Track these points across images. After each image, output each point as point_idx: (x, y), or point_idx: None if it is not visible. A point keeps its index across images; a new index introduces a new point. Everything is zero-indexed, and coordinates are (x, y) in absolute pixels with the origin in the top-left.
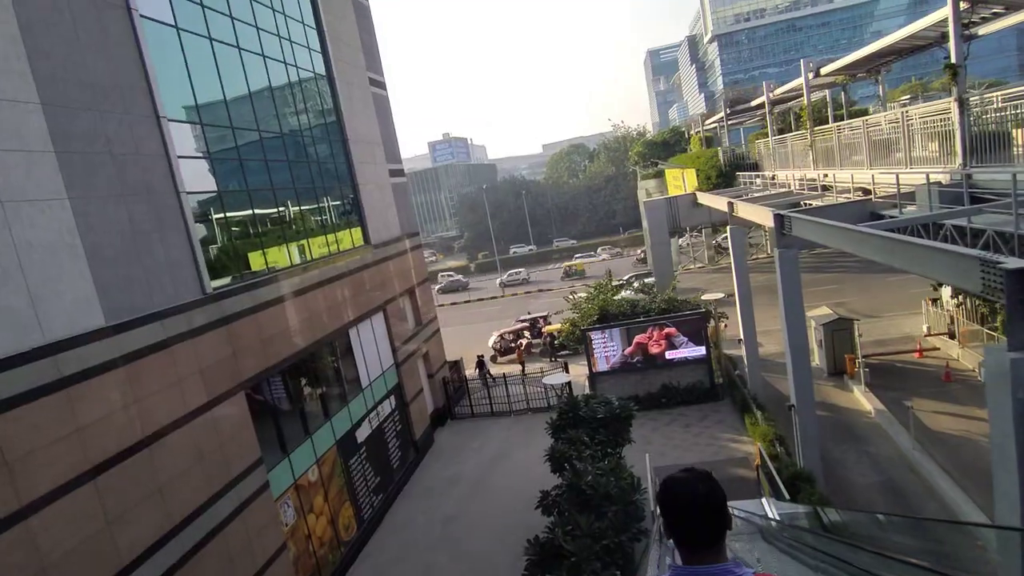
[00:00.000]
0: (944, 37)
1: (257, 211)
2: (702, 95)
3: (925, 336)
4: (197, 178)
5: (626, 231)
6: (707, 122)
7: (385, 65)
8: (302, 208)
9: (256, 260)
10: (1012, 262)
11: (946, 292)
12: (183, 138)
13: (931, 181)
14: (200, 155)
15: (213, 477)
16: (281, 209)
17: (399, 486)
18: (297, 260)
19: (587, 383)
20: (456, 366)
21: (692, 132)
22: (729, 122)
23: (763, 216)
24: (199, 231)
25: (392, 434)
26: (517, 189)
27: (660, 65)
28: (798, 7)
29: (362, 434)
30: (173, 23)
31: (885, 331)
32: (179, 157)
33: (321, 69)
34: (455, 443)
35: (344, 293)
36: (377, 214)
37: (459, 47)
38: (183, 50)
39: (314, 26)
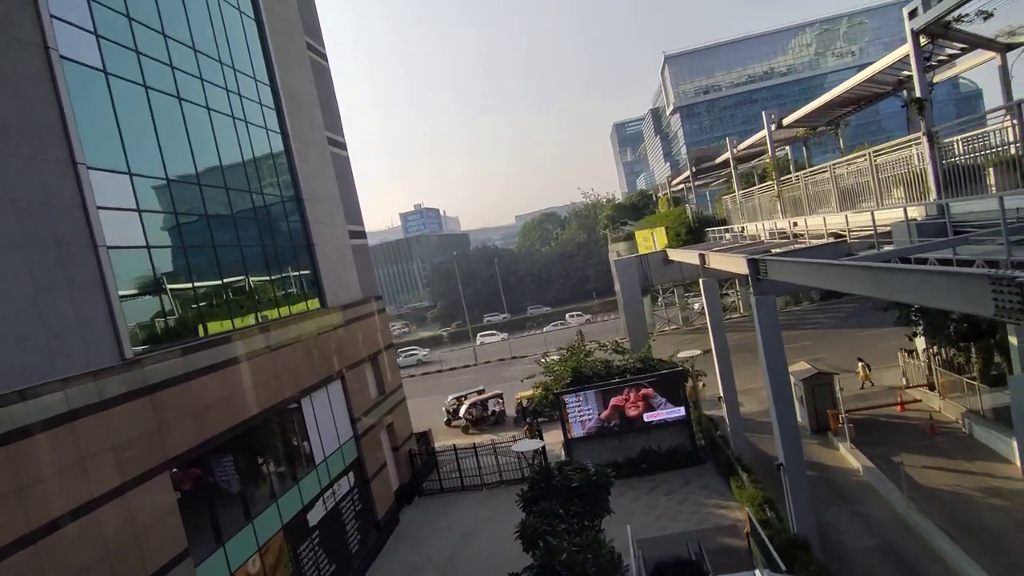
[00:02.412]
0: (900, 84)
1: (196, 270)
2: (667, 163)
3: (905, 388)
4: (123, 232)
5: (599, 296)
6: (674, 183)
7: (359, 138)
8: (248, 268)
9: (193, 323)
10: None
11: (920, 343)
12: (108, 189)
13: (908, 217)
14: (128, 208)
15: None
16: (225, 269)
17: (358, 574)
18: (242, 323)
19: (563, 450)
20: (424, 437)
21: (660, 194)
22: (696, 182)
23: (736, 264)
24: (122, 290)
25: (351, 515)
26: (489, 257)
27: (626, 137)
28: (753, 81)
29: (315, 516)
30: (100, 67)
31: (865, 387)
32: (100, 208)
33: (275, 126)
34: (422, 522)
35: (296, 359)
36: (335, 276)
37: (434, 125)
38: (111, 96)
39: (267, 82)
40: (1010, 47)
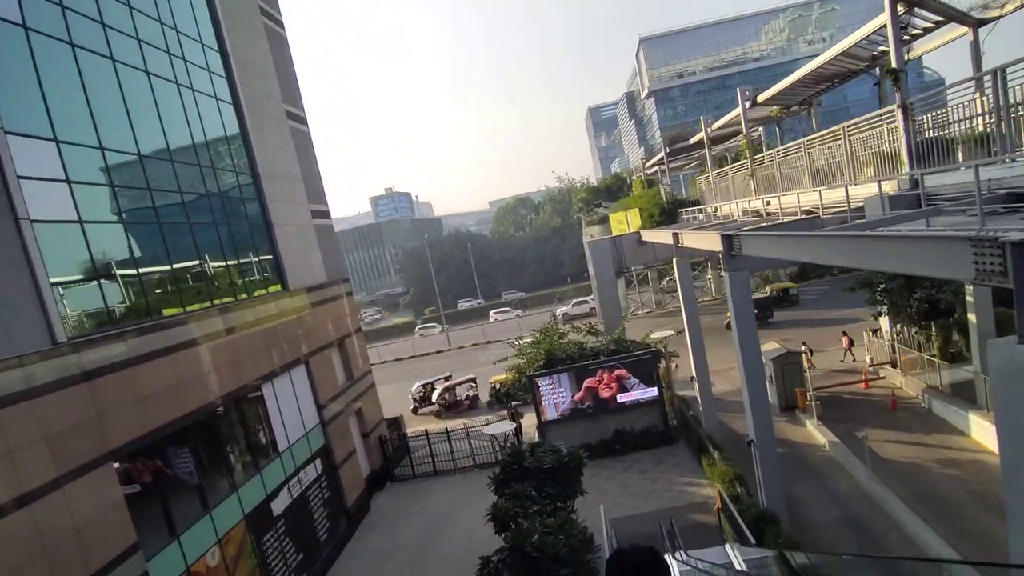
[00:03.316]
0: (874, 59)
1: (140, 249)
2: (642, 148)
3: (869, 367)
4: (52, 206)
5: (574, 281)
6: (648, 164)
7: (327, 121)
8: (200, 248)
9: (139, 306)
10: (1015, 232)
11: (884, 322)
12: (32, 157)
13: (882, 192)
14: (55, 179)
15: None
16: (173, 248)
17: (327, 563)
18: (194, 306)
19: (536, 433)
20: (396, 423)
21: (634, 177)
22: (670, 164)
23: (710, 241)
24: (56, 268)
25: (318, 503)
26: (463, 242)
27: (601, 121)
28: (726, 66)
29: (280, 505)
30: (20, 21)
31: (831, 364)
32: (21, 178)
33: (226, 95)
34: (394, 508)
35: (255, 344)
36: (297, 257)
37: (405, 110)
38: (32, 54)
39: (216, 48)
40: (983, 22)
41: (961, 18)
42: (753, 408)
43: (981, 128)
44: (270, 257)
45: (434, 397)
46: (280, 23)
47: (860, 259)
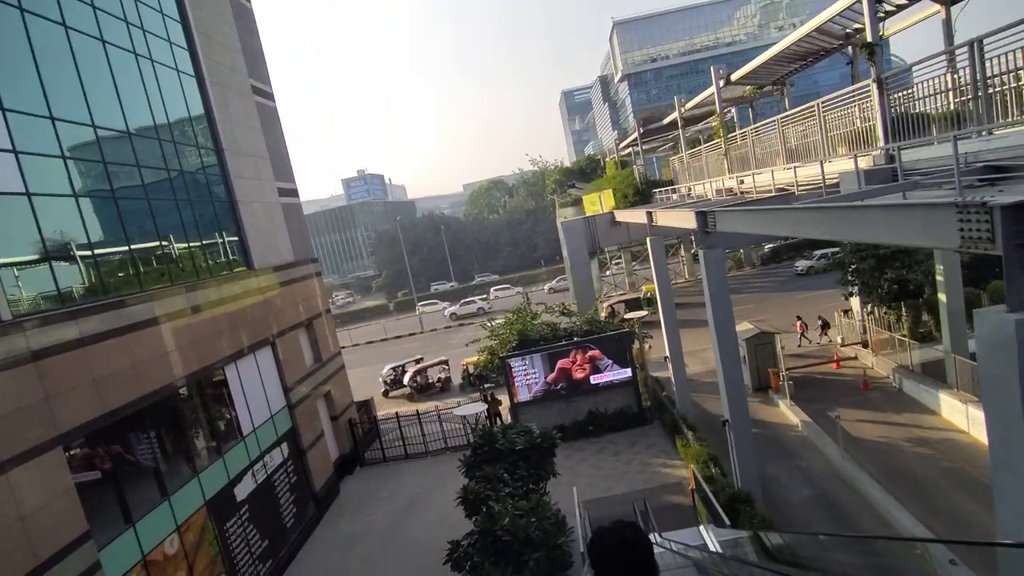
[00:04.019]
0: (848, 38)
1: (95, 224)
2: (615, 132)
3: (841, 347)
4: None
5: (547, 264)
6: (622, 146)
7: (301, 101)
8: (159, 224)
9: (94, 284)
10: (1004, 196)
11: (855, 303)
12: None
13: (858, 167)
14: (4, 149)
15: (4, 567)
16: (130, 224)
17: (294, 548)
18: (152, 284)
19: (508, 415)
20: (366, 406)
21: (608, 158)
22: (643, 144)
23: (684, 219)
24: None
25: (285, 487)
26: (436, 225)
27: (575, 105)
28: (698, 51)
29: (244, 490)
30: None
31: (804, 345)
32: None
33: (187, 67)
34: (364, 492)
35: (218, 324)
36: (263, 236)
37: (379, 93)
38: None
39: (177, 18)
40: (955, 0)
41: None
42: (728, 388)
43: (952, 107)
44: (235, 236)
45: (405, 380)
46: None
47: (840, 231)
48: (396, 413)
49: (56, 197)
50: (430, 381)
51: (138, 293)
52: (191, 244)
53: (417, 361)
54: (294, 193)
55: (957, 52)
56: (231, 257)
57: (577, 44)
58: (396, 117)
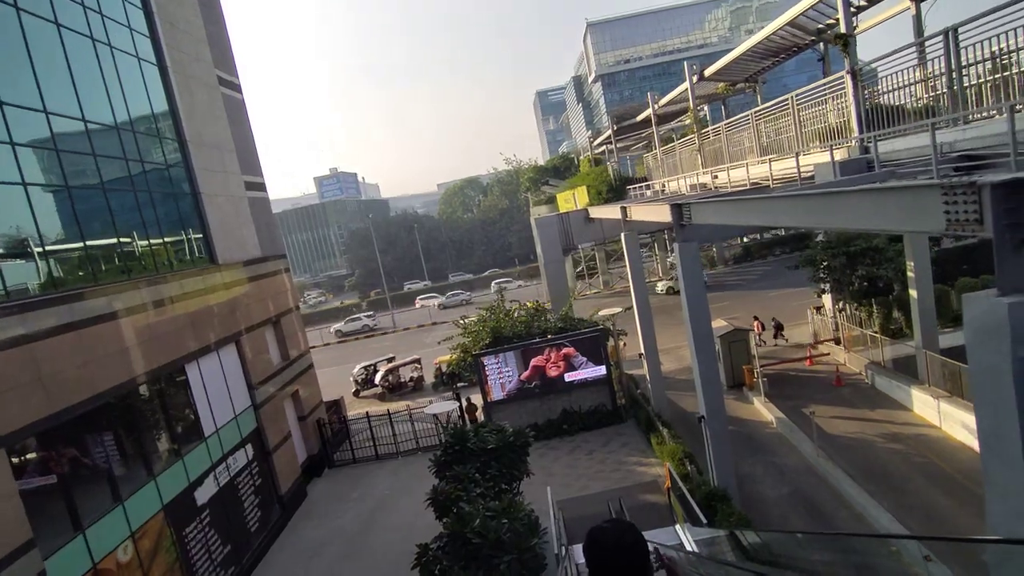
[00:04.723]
0: (819, 33)
1: (48, 216)
2: (589, 132)
3: (814, 344)
4: None
5: (522, 263)
6: (596, 143)
7: (275, 99)
8: (117, 217)
9: (47, 278)
10: (992, 174)
11: (827, 300)
12: None
13: (834, 159)
14: None
15: None
16: (85, 216)
17: (259, 553)
18: (108, 278)
19: (481, 414)
20: (336, 406)
21: (581, 156)
22: (617, 142)
23: (659, 213)
24: None
25: (249, 491)
26: (410, 223)
27: (549, 105)
28: (671, 52)
29: (204, 494)
30: None
31: (777, 341)
32: None
33: (149, 55)
34: (332, 495)
35: (178, 321)
36: (228, 230)
37: (353, 91)
38: None
39: (139, 4)
40: None
41: None
42: (703, 383)
43: (926, 99)
44: (199, 231)
45: (377, 379)
46: None
47: (819, 218)
48: (367, 413)
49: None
50: (402, 380)
51: (89, 287)
52: (151, 237)
53: (389, 360)
54: (262, 187)
55: (931, 44)
56: (193, 251)
57: (552, 44)
58: (371, 116)
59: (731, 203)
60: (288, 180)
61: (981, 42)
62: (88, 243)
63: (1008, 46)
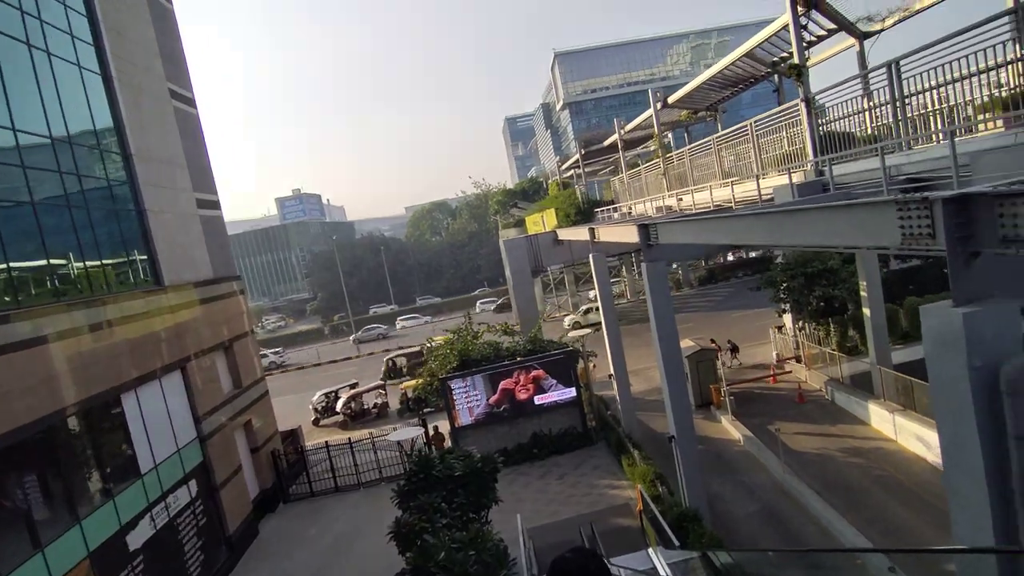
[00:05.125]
0: (774, 66)
1: None
2: (558, 158)
3: (776, 362)
4: None
5: (491, 286)
6: (564, 167)
7: (238, 120)
8: (46, 233)
9: None
10: (941, 191)
11: (788, 320)
12: None
13: (792, 182)
14: None
15: None
16: (8, 231)
17: None
18: (31, 300)
19: (449, 440)
20: (292, 436)
21: (550, 180)
22: (585, 166)
23: (627, 233)
24: None
25: (191, 532)
26: (376, 246)
27: (518, 131)
28: (635, 83)
29: (139, 537)
30: None
31: (741, 361)
32: None
33: (93, 65)
34: (287, 532)
35: (115, 347)
36: (176, 249)
37: (320, 113)
38: None
39: (83, 12)
40: (868, 34)
41: (849, 27)
42: (673, 403)
43: (872, 127)
44: (143, 251)
45: (338, 406)
46: None
47: (780, 236)
48: (326, 442)
49: None
50: (365, 407)
51: (13, 311)
52: (88, 258)
53: (352, 386)
54: (215, 205)
55: (876, 75)
56: (136, 271)
57: (521, 72)
58: (338, 139)
59: (696, 222)
60: (249, 201)
61: (921, 74)
62: (13, 264)
63: (945, 78)
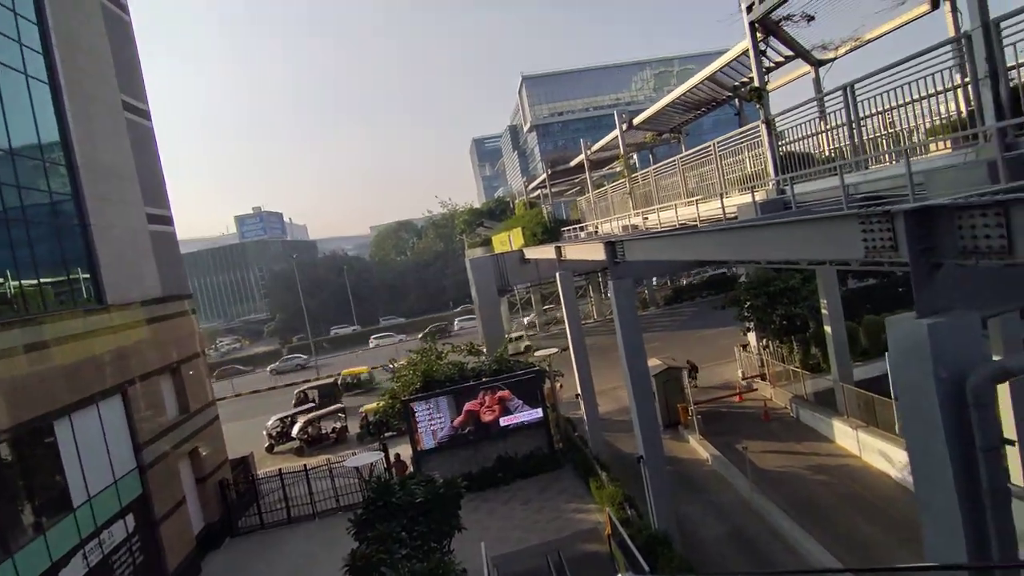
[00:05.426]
0: (735, 90)
1: None
2: (524, 178)
3: (742, 380)
4: None
5: (456, 306)
6: (531, 187)
7: (198, 136)
8: None
9: None
10: (903, 204)
11: (752, 338)
12: None
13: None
14: None
15: None
16: None
17: None
18: None
19: (411, 465)
20: (243, 464)
21: (517, 199)
22: (552, 186)
23: (593, 251)
24: None
25: (127, 571)
26: (339, 265)
27: (485, 152)
28: (600, 109)
29: None
30: None
31: (707, 379)
32: None
33: (40, 73)
34: (233, 568)
35: (47, 370)
36: (123, 266)
37: (284, 130)
38: None
39: (34, 20)
40: (822, 62)
41: (805, 55)
42: (641, 422)
43: (826, 152)
44: (86, 267)
45: (294, 431)
46: (123, 7)
47: (747, 251)
48: (280, 470)
49: None
50: (323, 432)
51: None
52: (22, 274)
53: (309, 410)
54: (168, 220)
55: (832, 98)
56: (77, 288)
57: (489, 93)
58: (302, 157)
59: (663, 239)
60: (208, 219)
61: (873, 97)
62: None
63: (897, 100)
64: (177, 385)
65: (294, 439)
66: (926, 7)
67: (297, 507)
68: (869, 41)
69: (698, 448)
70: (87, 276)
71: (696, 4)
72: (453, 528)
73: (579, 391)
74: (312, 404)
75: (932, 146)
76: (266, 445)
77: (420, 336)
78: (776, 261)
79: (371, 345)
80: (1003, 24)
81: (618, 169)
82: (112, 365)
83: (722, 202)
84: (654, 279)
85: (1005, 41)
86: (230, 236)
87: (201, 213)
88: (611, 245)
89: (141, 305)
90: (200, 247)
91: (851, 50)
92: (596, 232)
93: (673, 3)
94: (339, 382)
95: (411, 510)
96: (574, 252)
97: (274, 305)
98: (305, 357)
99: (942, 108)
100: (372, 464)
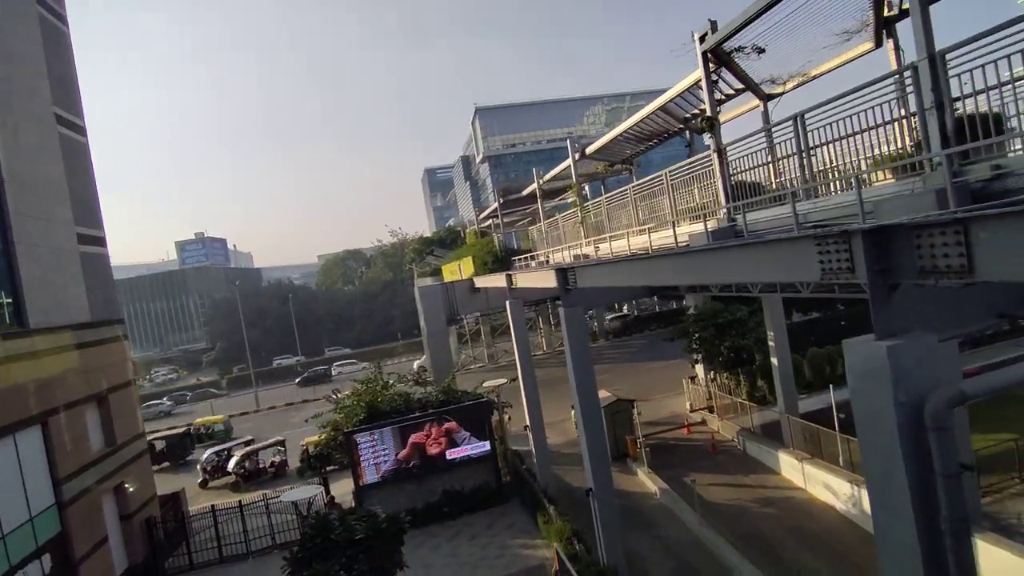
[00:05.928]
0: (686, 122)
1: None
2: (476, 208)
3: (690, 413)
4: None
5: (404, 338)
6: (482, 216)
7: (137, 159)
8: None
9: None
10: (860, 222)
11: (700, 370)
12: None
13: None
14: None
15: None
16: None
17: None
18: None
19: (353, 500)
20: (173, 500)
21: (468, 229)
22: (504, 216)
23: (545, 278)
24: None
25: None
26: (284, 294)
27: (437, 182)
28: (553, 142)
29: None
30: None
31: (656, 412)
32: None
33: None
34: None
35: None
36: (47, 288)
37: (229, 156)
38: None
39: None
40: (771, 96)
41: (755, 88)
42: (591, 454)
43: (774, 184)
44: (7, 288)
45: (230, 465)
46: (62, 18)
47: (702, 275)
48: (212, 507)
49: None
50: (261, 466)
51: None
52: None
53: (247, 443)
54: (100, 242)
55: (782, 127)
56: (4, 314)
57: (442, 123)
58: (250, 184)
59: (615, 264)
60: (148, 244)
61: (826, 125)
62: None
63: (845, 131)
64: (104, 415)
65: (230, 473)
66: (870, 44)
67: (230, 546)
68: (815, 77)
69: (646, 481)
70: (8, 300)
71: (648, 42)
72: (395, 566)
73: (527, 423)
74: (250, 438)
75: (879, 175)
76: (200, 480)
77: (297, 381)
78: (732, 284)
79: (334, 373)
80: (948, 56)
81: (570, 199)
82: (33, 393)
83: (674, 230)
84: (606, 314)
85: (951, 72)
86: (170, 262)
87: (141, 237)
88: (563, 272)
89: (67, 330)
90: (139, 272)
91: (798, 85)
92: (548, 261)
93: (628, 41)
94: (191, 431)
95: (351, 547)
96: (525, 280)
97: (214, 334)
98: (170, 403)
99: (888, 139)
100: (311, 499)
